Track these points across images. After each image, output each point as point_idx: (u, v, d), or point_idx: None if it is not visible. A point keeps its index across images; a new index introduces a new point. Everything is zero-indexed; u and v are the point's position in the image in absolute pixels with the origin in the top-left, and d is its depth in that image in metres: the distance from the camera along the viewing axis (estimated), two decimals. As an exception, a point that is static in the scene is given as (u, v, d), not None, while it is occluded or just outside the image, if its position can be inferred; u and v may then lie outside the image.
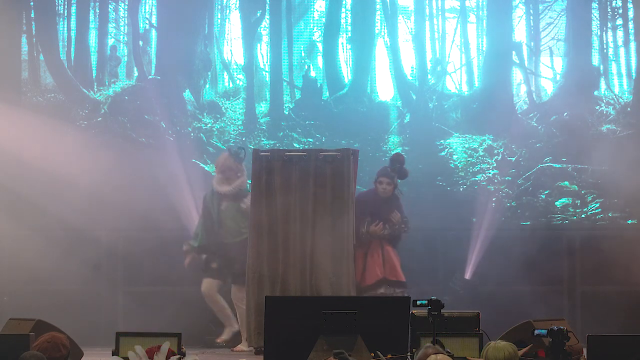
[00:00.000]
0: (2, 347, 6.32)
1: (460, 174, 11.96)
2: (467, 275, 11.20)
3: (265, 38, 12.29)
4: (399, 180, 10.20)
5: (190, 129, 12.09)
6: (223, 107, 12.20)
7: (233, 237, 10.27)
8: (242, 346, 10.01)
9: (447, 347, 6.38)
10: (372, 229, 10.02)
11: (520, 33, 12.30)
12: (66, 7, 12.32)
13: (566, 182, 11.83)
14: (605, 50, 12.21)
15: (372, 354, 6.73)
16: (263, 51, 12.32)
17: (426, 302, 6.16)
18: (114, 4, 12.39)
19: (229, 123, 12.15)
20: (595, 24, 12.21)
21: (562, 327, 5.73)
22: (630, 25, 12.27)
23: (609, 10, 12.32)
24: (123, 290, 11.27)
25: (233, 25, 12.39)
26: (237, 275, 10.17)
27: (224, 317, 10.49)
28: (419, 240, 11.23)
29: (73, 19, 12.29)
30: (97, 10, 12.32)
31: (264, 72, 12.31)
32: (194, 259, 10.48)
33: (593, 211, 11.77)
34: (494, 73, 12.18)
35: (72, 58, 12.21)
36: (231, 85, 12.35)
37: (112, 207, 11.12)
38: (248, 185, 10.14)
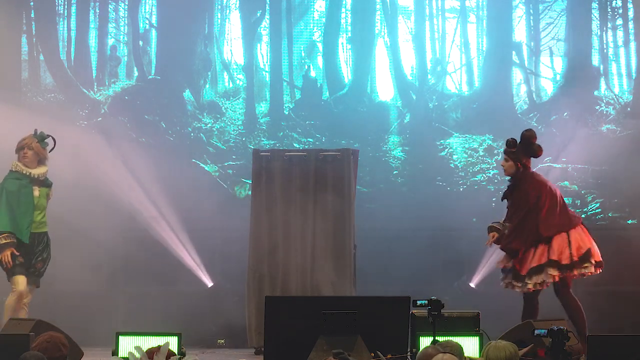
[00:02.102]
0: (2, 347, 6.31)
1: (460, 174, 11.96)
2: (473, 283, 11.20)
3: (265, 38, 12.29)
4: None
5: (190, 129, 12.10)
6: (223, 107, 12.20)
7: (39, 227, 8.81)
8: None
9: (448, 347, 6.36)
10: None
11: (520, 33, 12.30)
12: (66, 7, 12.33)
13: (566, 182, 11.83)
14: (605, 50, 12.21)
15: (372, 354, 6.73)
16: (263, 51, 12.32)
17: (426, 302, 6.16)
18: (114, 4, 12.39)
19: (229, 123, 12.15)
20: (595, 24, 12.21)
21: (562, 327, 5.72)
22: (630, 25, 12.27)
23: (609, 10, 12.32)
24: (123, 290, 11.26)
25: (233, 25, 12.39)
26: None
27: None
28: (419, 240, 11.24)
29: (73, 19, 12.29)
30: (97, 10, 12.33)
31: (264, 72, 12.31)
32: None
33: (593, 211, 11.78)
34: (494, 73, 12.19)
35: (72, 58, 12.21)
36: (231, 85, 12.35)
37: (112, 207, 11.11)
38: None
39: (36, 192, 8.75)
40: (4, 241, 8.53)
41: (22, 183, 8.68)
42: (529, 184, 8.54)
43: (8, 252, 8.48)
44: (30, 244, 8.65)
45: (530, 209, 8.45)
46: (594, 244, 8.51)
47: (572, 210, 11.69)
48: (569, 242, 8.42)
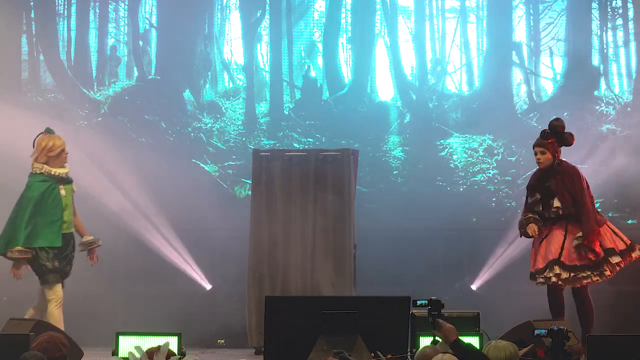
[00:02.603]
0: (2, 347, 6.31)
1: (460, 174, 11.97)
2: (475, 286, 11.19)
3: (265, 38, 12.29)
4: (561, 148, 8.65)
5: (190, 129, 12.10)
6: (223, 107, 12.20)
7: (68, 227, 8.61)
8: None
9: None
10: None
11: (520, 33, 12.30)
12: (66, 7, 12.33)
13: (566, 182, 11.82)
14: (605, 50, 12.21)
15: (372, 354, 6.73)
16: (263, 51, 12.32)
17: (426, 302, 6.15)
18: (114, 4, 12.39)
19: (229, 123, 12.15)
20: (595, 24, 12.22)
21: (562, 327, 5.72)
22: (630, 25, 12.27)
23: (609, 10, 12.32)
24: (123, 290, 11.25)
25: (233, 25, 12.40)
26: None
27: None
28: (419, 240, 11.24)
29: (73, 19, 12.29)
30: (97, 10, 12.33)
31: (264, 72, 12.31)
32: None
33: (593, 211, 11.76)
34: (494, 73, 12.19)
35: (72, 58, 12.21)
36: (231, 85, 12.35)
37: (112, 207, 11.11)
38: None
39: (62, 192, 8.53)
40: (18, 256, 8.31)
41: (47, 185, 8.41)
42: (572, 168, 8.54)
43: (20, 270, 8.33)
44: (63, 245, 8.43)
45: (586, 191, 8.45)
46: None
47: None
48: (613, 230, 8.50)
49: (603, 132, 11.94)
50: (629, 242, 8.41)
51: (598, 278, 8.34)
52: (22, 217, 8.32)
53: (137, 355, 6.01)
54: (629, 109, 12.03)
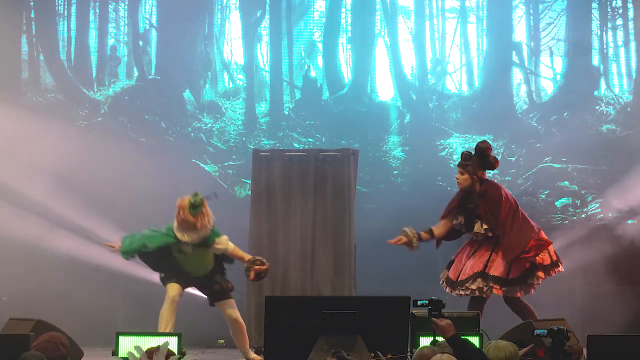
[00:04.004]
0: (2, 347, 6.31)
1: (460, 174, 11.95)
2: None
3: (265, 38, 12.29)
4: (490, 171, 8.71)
5: (190, 129, 12.10)
6: (223, 107, 12.20)
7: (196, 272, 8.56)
8: None
9: (447, 347, 6.36)
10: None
11: (520, 33, 12.30)
12: (66, 7, 12.33)
13: (566, 182, 11.83)
14: (605, 50, 12.21)
15: (372, 354, 6.73)
16: (263, 51, 12.32)
17: (427, 302, 6.15)
18: (114, 4, 12.39)
19: (229, 123, 12.15)
20: (595, 24, 12.22)
21: (562, 327, 5.72)
22: (630, 25, 12.27)
23: (609, 10, 12.32)
24: (123, 290, 11.25)
25: (233, 25, 12.40)
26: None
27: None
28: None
29: (73, 19, 12.29)
30: (97, 10, 12.33)
31: (264, 72, 12.31)
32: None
33: (593, 211, 11.77)
34: (494, 73, 12.19)
35: (72, 58, 12.21)
36: (231, 85, 12.35)
37: (111, 207, 11.11)
38: (215, 228, 8.41)
39: (186, 248, 8.33)
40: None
41: (170, 236, 8.35)
42: (495, 191, 8.50)
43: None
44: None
45: (514, 211, 8.47)
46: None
47: (572, 210, 11.77)
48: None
49: (603, 132, 11.94)
50: (554, 257, 8.52)
51: (523, 292, 8.45)
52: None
53: (137, 355, 6.01)
54: (629, 109, 12.04)
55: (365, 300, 7.59)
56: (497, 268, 8.39)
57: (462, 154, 8.62)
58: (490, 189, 8.51)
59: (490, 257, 8.46)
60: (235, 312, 8.50)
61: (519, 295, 8.46)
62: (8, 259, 10.99)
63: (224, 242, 8.39)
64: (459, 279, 8.54)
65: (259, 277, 8.37)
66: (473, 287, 8.40)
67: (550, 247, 8.53)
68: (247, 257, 8.42)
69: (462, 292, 8.50)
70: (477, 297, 8.44)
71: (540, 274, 8.43)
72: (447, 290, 8.66)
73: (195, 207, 8.19)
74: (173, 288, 8.33)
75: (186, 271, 8.44)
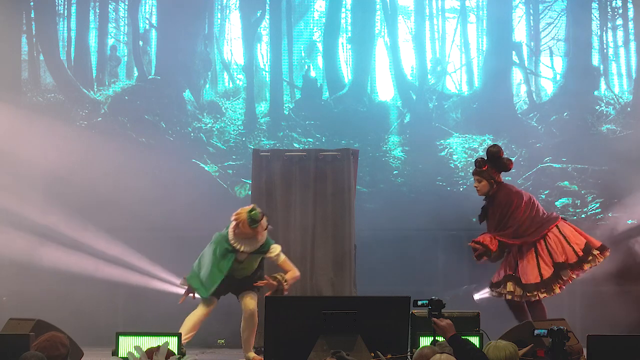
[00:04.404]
0: (2, 347, 6.31)
1: (460, 174, 11.96)
2: (477, 296, 11.18)
3: (265, 38, 12.29)
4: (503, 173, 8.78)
5: (190, 129, 12.10)
6: (223, 107, 12.20)
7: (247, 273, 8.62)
8: None
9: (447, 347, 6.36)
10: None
11: (520, 33, 12.30)
12: (66, 7, 12.33)
13: (566, 182, 11.83)
14: (605, 50, 12.21)
15: (372, 354, 6.73)
16: (263, 51, 12.32)
17: (427, 302, 6.15)
18: (114, 4, 12.39)
19: (229, 123, 12.15)
20: (595, 24, 12.22)
21: (562, 327, 5.71)
22: (630, 25, 12.27)
23: (609, 10, 12.32)
24: (123, 290, 11.25)
25: (233, 25, 12.40)
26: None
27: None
28: (419, 240, 11.23)
29: (73, 19, 12.29)
30: (97, 10, 12.33)
31: (264, 72, 12.31)
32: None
33: (593, 211, 11.77)
34: (494, 73, 12.19)
35: (72, 58, 12.21)
36: (231, 85, 12.35)
37: (111, 207, 11.11)
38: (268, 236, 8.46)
39: (242, 256, 8.35)
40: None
41: (227, 247, 8.34)
42: (505, 196, 8.60)
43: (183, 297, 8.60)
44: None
45: (512, 211, 8.49)
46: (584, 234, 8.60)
47: (572, 210, 11.76)
48: (565, 238, 8.51)
49: (603, 132, 11.94)
50: (580, 253, 8.48)
51: (545, 295, 8.47)
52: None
53: (137, 355, 6.01)
54: (629, 109, 12.04)
55: (365, 300, 7.59)
56: (524, 272, 8.42)
57: (476, 161, 8.75)
58: (499, 194, 8.63)
59: (517, 260, 8.55)
60: (254, 304, 8.47)
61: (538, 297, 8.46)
62: (8, 258, 10.99)
63: (277, 251, 8.45)
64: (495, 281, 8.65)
65: (278, 292, 8.38)
66: (503, 291, 8.49)
67: (574, 239, 8.48)
68: (296, 272, 8.48)
69: (494, 294, 8.65)
70: (514, 304, 8.50)
71: (566, 274, 8.41)
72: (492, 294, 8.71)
73: (255, 222, 8.22)
74: (212, 301, 8.43)
75: (231, 275, 8.46)
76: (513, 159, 11.77)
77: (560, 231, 8.58)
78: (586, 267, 8.50)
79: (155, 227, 11.14)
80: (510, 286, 8.46)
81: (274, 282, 8.34)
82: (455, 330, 5.61)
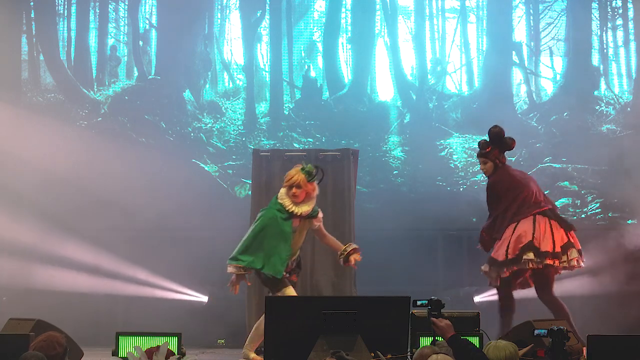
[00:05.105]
0: (2, 347, 6.31)
1: (460, 174, 11.97)
2: (478, 298, 11.18)
3: (265, 38, 12.29)
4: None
5: (190, 129, 12.10)
6: (223, 107, 12.20)
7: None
8: None
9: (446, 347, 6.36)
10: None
11: (520, 33, 12.31)
12: (66, 7, 12.33)
13: (566, 182, 11.84)
14: (605, 50, 12.21)
15: (372, 354, 6.73)
16: (263, 51, 12.32)
17: (426, 302, 6.15)
18: (114, 4, 12.39)
19: (229, 123, 12.15)
20: (595, 24, 12.22)
21: (562, 327, 5.71)
22: (630, 25, 12.27)
23: (609, 10, 12.33)
24: (123, 290, 11.25)
25: (233, 25, 12.40)
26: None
27: None
28: (419, 240, 11.23)
29: (73, 19, 12.30)
30: (97, 10, 12.33)
31: (264, 72, 12.31)
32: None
33: (593, 211, 11.78)
34: (494, 73, 12.19)
35: (72, 58, 12.22)
36: (231, 85, 12.35)
37: (111, 207, 11.11)
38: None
39: (296, 226, 8.22)
40: (237, 272, 8.27)
41: (280, 216, 8.17)
42: (496, 181, 8.63)
43: (237, 285, 8.28)
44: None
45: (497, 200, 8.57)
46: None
47: (572, 210, 11.75)
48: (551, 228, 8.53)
49: (603, 132, 11.94)
50: (558, 249, 8.49)
51: (566, 266, 8.46)
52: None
53: (137, 355, 6.01)
54: (629, 109, 12.04)
55: (365, 300, 7.58)
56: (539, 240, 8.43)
57: (480, 143, 8.74)
58: (495, 177, 8.65)
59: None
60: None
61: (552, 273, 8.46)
62: (8, 258, 10.99)
63: (321, 217, 8.39)
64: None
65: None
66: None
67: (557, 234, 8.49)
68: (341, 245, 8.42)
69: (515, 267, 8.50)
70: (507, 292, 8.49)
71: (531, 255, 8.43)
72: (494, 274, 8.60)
73: (312, 175, 8.25)
74: (290, 291, 8.17)
75: (292, 254, 8.23)
76: (513, 159, 11.83)
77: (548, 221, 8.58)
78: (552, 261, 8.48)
79: (155, 227, 11.14)
80: (530, 254, 8.39)
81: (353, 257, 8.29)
82: (454, 331, 5.61)
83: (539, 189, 8.75)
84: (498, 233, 8.62)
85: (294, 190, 8.17)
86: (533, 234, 8.45)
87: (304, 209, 8.22)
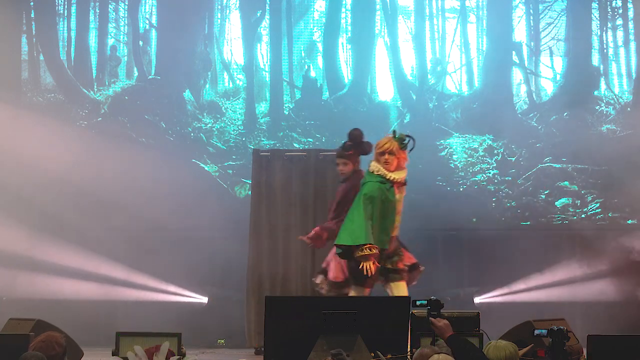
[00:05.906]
0: (2, 347, 6.31)
1: (460, 174, 11.96)
2: (478, 299, 11.17)
3: (265, 38, 12.29)
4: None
5: (190, 129, 12.10)
6: (223, 107, 12.20)
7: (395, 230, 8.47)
8: None
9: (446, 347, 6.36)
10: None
11: (520, 33, 12.30)
12: (66, 7, 12.33)
13: (566, 182, 11.83)
14: (605, 50, 12.21)
15: (372, 354, 6.73)
16: (263, 51, 12.32)
17: (426, 302, 6.14)
18: (114, 4, 12.39)
19: (229, 123, 12.15)
20: (595, 24, 12.22)
21: (562, 327, 5.71)
22: (630, 25, 12.27)
23: (609, 10, 12.33)
24: (124, 290, 11.26)
25: (233, 25, 12.40)
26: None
27: None
28: (419, 240, 11.22)
29: (73, 19, 12.30)
30: (97, 10, 12.34)
31: (264, 72, 12.31)
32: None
33: (593, 211, 11.78)
34: (494, 73, 12.19)
35: (72, 58, 12.22)
36: (231, 85, 12.35)
37: (111, 207, 11.11)
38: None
39: (397, 196, 8.24)
40: (367, 252, 8.07)
41: (384, 187, 8.18)
42: (344, 185, 8.62)
43: (370, 263, 8.11)
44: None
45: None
46: None
47: (572, 210, 11.75)
48: None
49: (603, 132, 11.94)
50: None
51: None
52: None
53: (137, 355, 6.01)
54: (629, 109, 12.04)
55: (365, 300, 7.59)
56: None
57: (345, 144, 8.68)
58: (353, 181, 8.57)
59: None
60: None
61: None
62: (8, 258, 11.00)
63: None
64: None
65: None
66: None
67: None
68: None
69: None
70: None
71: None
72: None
73: (403, 140, 8.32)
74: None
75: (392, 227, 8.19)
76: (513, 159, 11.84)
77: None
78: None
79: (155, 227, 11.14)
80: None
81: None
82: (453, 330, 5.60)
83: None
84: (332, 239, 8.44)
85: (386, 156, 8.19)
86: None
87: (402, 175, 8.26)
